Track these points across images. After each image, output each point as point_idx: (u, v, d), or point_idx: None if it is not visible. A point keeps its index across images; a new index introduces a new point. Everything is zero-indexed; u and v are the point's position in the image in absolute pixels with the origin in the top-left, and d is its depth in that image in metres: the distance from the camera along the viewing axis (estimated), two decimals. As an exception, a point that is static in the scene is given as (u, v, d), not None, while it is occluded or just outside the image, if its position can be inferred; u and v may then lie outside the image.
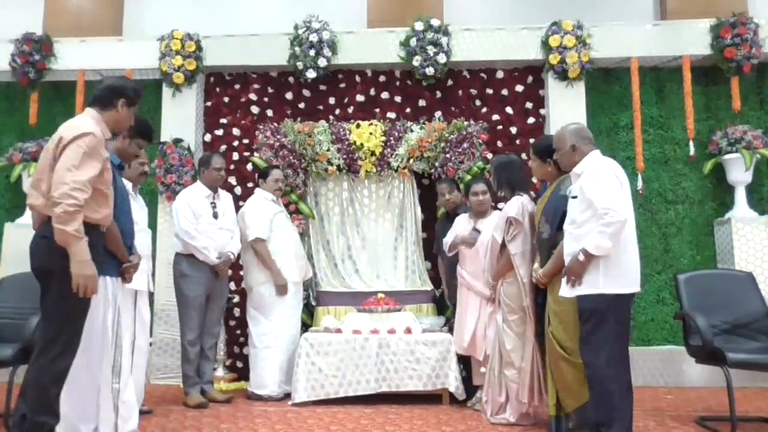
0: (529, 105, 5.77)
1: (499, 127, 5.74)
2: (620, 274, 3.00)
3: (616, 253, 2.97)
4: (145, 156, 3.95)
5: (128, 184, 3.77)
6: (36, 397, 2.66)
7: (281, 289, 4.52)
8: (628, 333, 3.11)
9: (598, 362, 3.02)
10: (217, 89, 5.92)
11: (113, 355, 3.04)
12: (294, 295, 4.72)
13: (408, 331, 4.48)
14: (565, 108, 5.46)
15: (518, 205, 3.74)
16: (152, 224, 4.70)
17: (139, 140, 3.42)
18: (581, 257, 2.97)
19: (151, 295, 4.00)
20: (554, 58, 5.54)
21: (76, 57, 5.88)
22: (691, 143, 5.49)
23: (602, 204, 2.92)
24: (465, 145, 5.33)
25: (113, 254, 3.01)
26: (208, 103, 5.94)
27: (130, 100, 2.95)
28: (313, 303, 5.25)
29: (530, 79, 5.77)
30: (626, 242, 3.02)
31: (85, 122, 2.78)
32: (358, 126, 5.41)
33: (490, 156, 5.34)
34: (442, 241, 4.54)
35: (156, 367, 5.18)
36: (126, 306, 3.35)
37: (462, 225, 4.41)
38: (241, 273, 4.96)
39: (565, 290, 3.09)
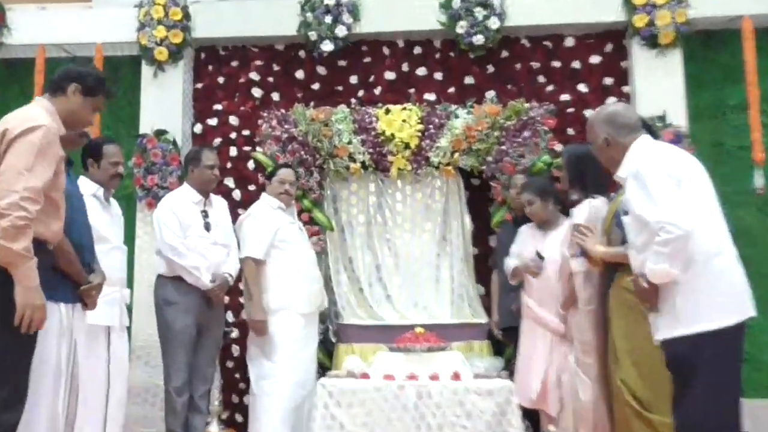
0: (608, 81, 5.36)
1: (570, 109, 5.32)
2: (712, 303, 2.63)
3: (700, 275, 2.63)
4: (118, 153, 3.85)
5: (93, 188, 3.69)
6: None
7: (256, 326, 4.29)
8: (739, 381, 2.73)
9: (695, 427, 2.64)
10: (210, 68, 5.67)
11: (66, 403, 2.83)
12: (304, 331, 4.42)
13: (456, 376, 4.22)
14: (656, 83, 5.08)
15: (588, 210, 3.48)
16: (129, 239, 4.41)
17: (96, 99, 2.94)
18: (644, 284, 2.71)
19: (127, 329, 3.85)
20: (640, 20, 5.12)
21: (35, 28, 5.65)
22: (827, 127, 4.95)
23: (653, 218, 2.62)
24: (526, 133, 4.98)
25: (66, 275, 2.83)
26: (199, 85, 5.68)
27: (87, 88, 2.84)
28: (333, 339, 5.05)
29: (609, 47, 5.39)
30: (715, 259, 2.65)
31: (36, 113, 2.71)
32: (387, 111, 5.12)
33: (559, 147, 4.96)
34: (503, 256, 4.35)
35: (133, 418, 4.83)
36: (95, 346, 3.34)
37: (525, 239, 4.19)
38: (241, 299, 4.71)
39: (662, 327, 2.73)
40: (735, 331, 2.67)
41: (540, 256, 3.98)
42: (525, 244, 4.15)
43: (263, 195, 4.62)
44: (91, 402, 3.17)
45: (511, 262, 4.16)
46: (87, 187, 3.70)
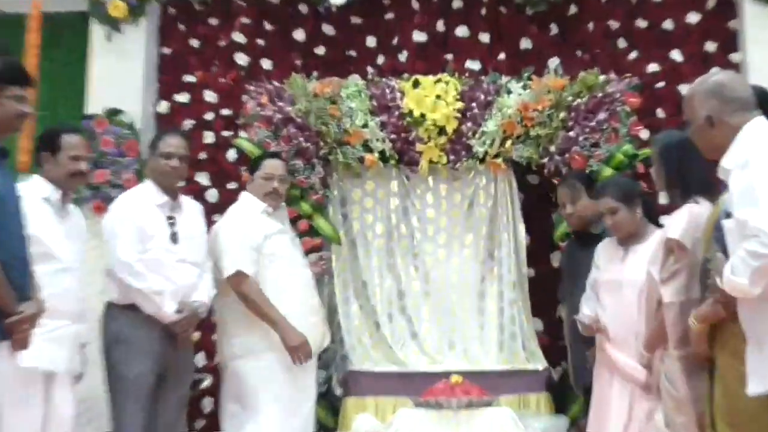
0: (710, 46, 4.97)
1: (660, 84, 4.93)
2: None
3: None
4: (81, 145, 3.71)
5: (45, 190, 3.55)
6: None
7: (298, 351, 4.03)
8: None
9: None
10: (181, 27, 5.29)
11: None
12: (298, 380, 4.15)
13: None
14: (774, 50, 4.90)
15: (687, 218, 3.15)
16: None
17: (14, 89, 2.93)
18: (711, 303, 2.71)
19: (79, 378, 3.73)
20: None
21: None
22: None
23: (753, 221, 2.46)
24: (602, 115, 4.62)
25: None
26: (166, 51, 5.31)
27: None
28: (339, 391, 4.70)
29: (712, 2, 5.01)
30: None
31: None
32: (416, 84, 4.78)
33: (644, 134, 4.67)
34: (571, 285, 4.18)
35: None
36: (27, 398, 3.17)
37: (605, 258, 3.90)
38: (214, 337, 4.41)
39: (755, 382, 2.55)
40: None
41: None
42: (604, 269, 3.84)
43: (243, 195, 4.34)
44: None
45: (585, 309, 3.86)
46: (37, 188, 3.61)
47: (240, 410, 4.09)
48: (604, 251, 3.92)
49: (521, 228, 4.92)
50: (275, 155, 4.51)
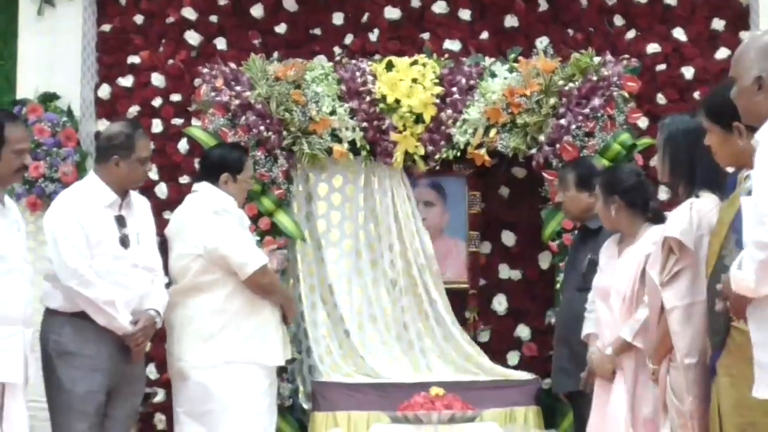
0: (718, 24, 4.74)
1: (661, 66, 4.71)
2: None
3: None
4: (26, 138, 3.48)
5: None
6: None
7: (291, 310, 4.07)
8: None
9: None
10: (122, 1, 5.01)
11: None
12: (267, 392, 3.88)
13: None
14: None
15: (687, 215, 2.88)
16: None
17: None
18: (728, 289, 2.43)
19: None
20: None
21: None
22: None
23: (763, 205, 2.21)
24: (596, 101, 4.42)
25: None
26: (106, 27, 5.01)
27: None
28: (306, 405, 4.55)
29: None
30: None
31: None
32: (389, 66, 4.56)
33: (641, 122, 4.53)
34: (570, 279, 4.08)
35: None
36: None
37: (603, 261, 3.71)
38: (166, 346, 4.12)
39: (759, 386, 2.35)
40: None
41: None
42: (602, 272, 3.61)
43: (217, 193, 3.93)
44: None
45: (588, 321, 3.64)
46: None
47: (200, 430, 3.75)
48: (604, 252, 3.68)
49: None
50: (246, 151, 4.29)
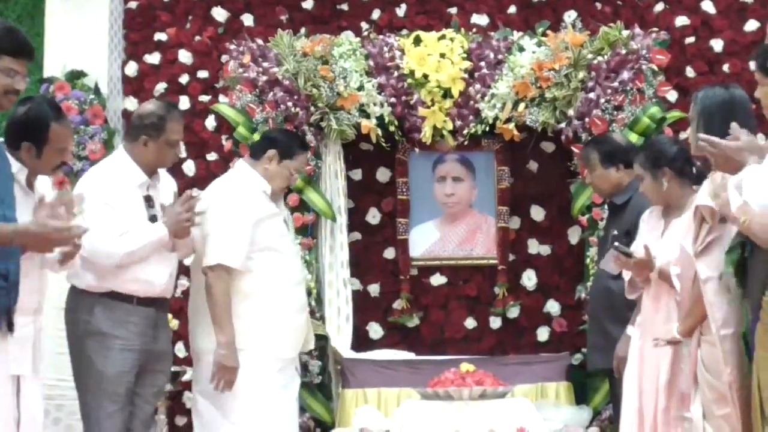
0: None
1: (690, 39, 4.62)
2: None
3: None
4: (71, 135, 3.33)
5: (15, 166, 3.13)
6: None
7: (225, 374, 3.64)
8: None
9: None
10: None
11: None
12: (280, 377, 3.76)
13: None
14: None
15: (719, 182, 2.81)
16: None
17: (6, 59, 2.58)
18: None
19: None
20: None
21: None
22: None
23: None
24: (625, 74, 4.35)
25: None
26: (133, 5, 4.95)
27: None
28: (336, 383, 4.50)
29: None
30: None
31: None
32: (417, 41, 4.51)
33: (671, 95, 4.46)
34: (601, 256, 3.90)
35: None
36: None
37: (646, 229, 3.58)
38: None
39: None
40: None
41: (627, 254, 3.39)
42: (647, 232, 3.58)
43: (244, 168, 3.81)
44: None
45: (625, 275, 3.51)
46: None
47: (212, 409, 3.65)
48: (647, 221, 3.57)
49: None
50: (306, 143, 4.13)
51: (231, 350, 3.64)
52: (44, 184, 3.37)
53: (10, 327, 2.68)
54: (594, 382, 4.20)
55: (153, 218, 3.65)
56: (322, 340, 4.30)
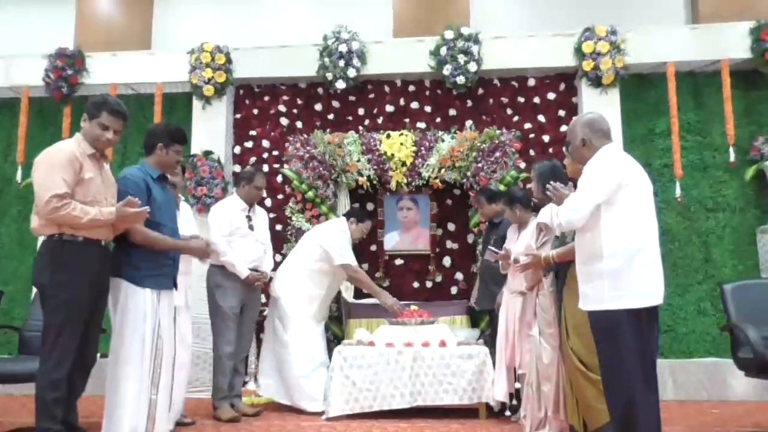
0: (561, 113, 5.72)
1: (532, 135, 5.68)
2: (629, 288, 2.75)
3: (625, 266, 2.76)
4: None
5: (243, 206, 4.16)
6: (37, 406, 2.94)
7: (393, 307, 4.51)
8: (647, 349, 2.80)
9: (615, 382, 2.76)
10: (247, 101, 5.94)
11: (152, 367, 3.16)
12: (312, 314, 4.71)
13: (443, 344, 4.37)
14: (599, 115, 5.23)
15: (549, 210, 3.64)
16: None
17: (177, 146, 3.43)
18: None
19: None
20: (588, 65, 5.47)
21: (107, 71, 5.95)
22: (731, 149, 5.40)
23: (577, 197, 2.76)
24: (497, 154, 5.29)
25: (153, 268, 3.18)
26: (238, 116, 5.94)
27: (89, 112, 3.17)
28: (344, 316, 5.24)
29: (563, 86, 5.72)
30: (637, 252, 2.76)
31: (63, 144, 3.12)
32: (388, 136, 5.39)
33: (523, 165, 5.36)
34: (482, 248, 4.52)
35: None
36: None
37: (510, 237, 4.30)
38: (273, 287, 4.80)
39: (582, 302, 2.89)
40: (649, 310, 2.75)
41: (493, 250, 4.04)
42: (509, 241, 4.25)
43: (342, 221, 4.77)
44: (166, 367, 3.33)
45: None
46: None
47: (280, 324, 4.62)
48: (511, 232, 4.27)
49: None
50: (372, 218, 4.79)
51: (386, 296, 4.53)
52: (186, 209, 4.22)
53: (175, 284, 3.38)
54: (481, 316, 4.98)
55: (251, 227, 4.44)
56: (338, 293, 5.07)
